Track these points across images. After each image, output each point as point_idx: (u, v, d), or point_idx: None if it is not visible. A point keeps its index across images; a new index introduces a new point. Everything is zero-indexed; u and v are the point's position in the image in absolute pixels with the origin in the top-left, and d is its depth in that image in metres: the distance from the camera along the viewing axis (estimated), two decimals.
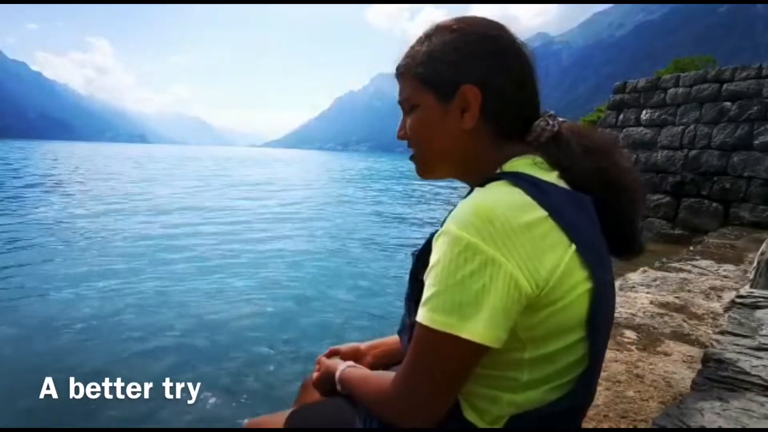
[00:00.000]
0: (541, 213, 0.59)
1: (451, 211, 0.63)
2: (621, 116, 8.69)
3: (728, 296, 2.86)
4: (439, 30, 0.73)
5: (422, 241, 0.71)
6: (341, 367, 0.84)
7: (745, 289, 1.93)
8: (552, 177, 0.66)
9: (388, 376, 0.70)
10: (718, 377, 1.10)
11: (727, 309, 1.83)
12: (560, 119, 0.73)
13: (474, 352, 0.58)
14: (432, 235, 0.67)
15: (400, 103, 0.76)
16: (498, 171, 0.67)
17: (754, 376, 1.08)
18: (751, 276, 2.96)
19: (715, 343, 1.25)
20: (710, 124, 7.16)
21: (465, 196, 0.66)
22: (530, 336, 0.61)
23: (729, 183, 6.83)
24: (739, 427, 0.89)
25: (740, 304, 1.58)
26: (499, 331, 0.57)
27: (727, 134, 6.91)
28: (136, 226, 8.78)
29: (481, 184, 0.65)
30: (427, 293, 0.59)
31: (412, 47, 0.75)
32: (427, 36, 0.74)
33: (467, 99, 0.68)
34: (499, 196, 0.61)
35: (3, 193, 12.25)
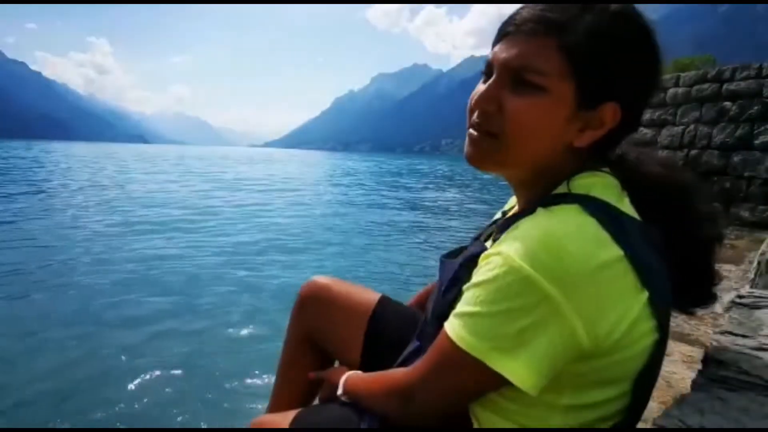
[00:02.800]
0: (617, 252, 0.51)
1: (503, 218, 0.59)
2: None
3: (728, 296, 2.86)
4: (612, 11, 0.55)
5: (451, 246, 0.66)
6: (346, 374, 0.82)
7: (746, 289, 1.93)
8: (625, 204, 0.58)
9: (395, 372, 0.68)
10: (718, 377, 1.09)
11: (727, 309, 1.83)
12: None
13: (498, 383, 0.53)
14: (471, 252, 0.64)
15: (505, 66, 0.56)
16: (566, 185, 0.58)
17: (755, 376, 1.08)
18: (751, 276, 2.95)
19: (715, 343, 1.25)
20: (710, 124, 7.16)
21: (522, 210, 0.59)
22: (575, 382, 0.55)
23: (729, 183, 6.83)
24: (739, 427, 0.89)
25: (740, 304, 1.58)
26: (540, 378, 0.51)
27: (728, 134, 6.91)
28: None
29: (546, 202, 0.56)
30: (464, 307, 0.55)
31: (560, 6, 0.54)
32: (590, 6, 0.54)
33: (603, 119, 0.57)
34: (571, 226, 0.52)
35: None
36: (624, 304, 0.51)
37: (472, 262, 0.60)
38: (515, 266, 0.50)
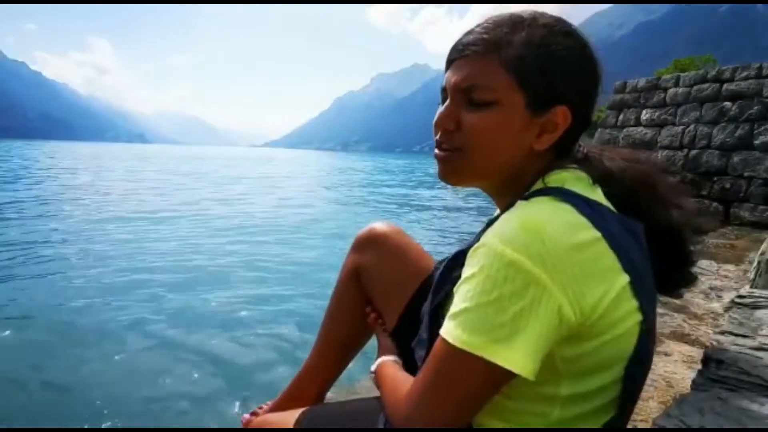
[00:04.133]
0: (595, 234, 0.53)
1: (488, 225, 0.59)
2: (621, 116, 8.68)
3: (728, 296, 2.86)
4: (542, 23, 0.61)
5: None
6: (380, 359, 0.81)
7: (746, 289, 1.93)
8: (598, 195, 0.61)
9: (404, 388, 0.65)
10: (718, 377, 1.09)
11: (727, 309, 1.83)
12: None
13: (502, 378, 0.52)
14: (461, 249, 0.65)
15: (458, 87, 0.61)
16: (541, 181, 0.61)
17: (755, 376, 1.08)
18: (751, 276, 2.95)
19: (715, 343, 1.25)
20: (710, 124, 7.16)
21: (504, 210, 0.61)
22: (571, 370, 0.56)
23: (729, 183, 6.83)
24: (739, 427, 0.89)
25: (740, 304, 1.58)
26: (536, 362, 0.52)
27: (728, 134, 6.91)
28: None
29: (525, 197, 0.59)
30: (455, 308, 0.54)
31: (495, 26, 0.61)
32: (521, 22, 0.61)
33: (556, 122, 0.60)
34: (550, 212, 0.55)
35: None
36: (606, 282, 0.53)
37: (454, 262, 0.62)
38: (499, 252, 0.52)
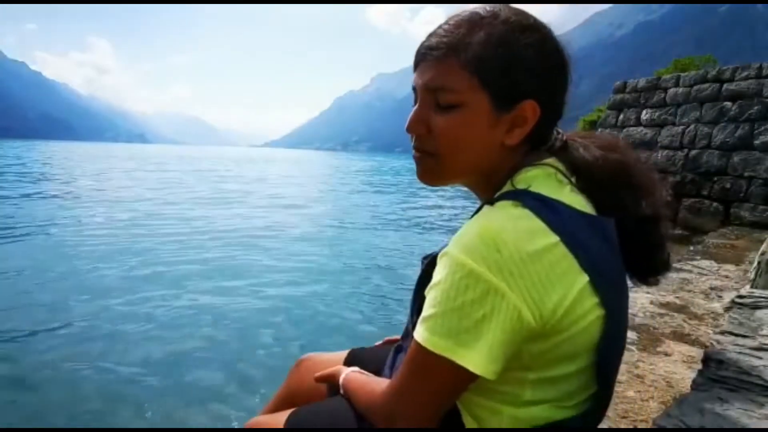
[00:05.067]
0: (552, 239, 0.55)
1: (457, 231, 0.60)
2: (621, 116, 8.68)
3: (728, 296, 2.86)
4: (501, 20, 0.61)
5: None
6: (345, 371, 0.84)
7: (746, 289, 1.93)
8: (566, 192, 0.61)
9: (379, 386, 0.70)
10: (718, 377, 1.09)
11: (727, 309, 1.83)
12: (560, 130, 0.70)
13: (467, 378, 0.56)
14: (434, 253, 0.66)
15: (425, 90, 0.63)
16: (510, 183, 0.63)
17: (755, 376, 1.08)
18: (751, 276, 2.95)
19: (715, 343, 1.25)
20: (710, 124, 7.16)
21: (473, 215, 0.63)
22: (536, 361, 0.59)
23: (729, 183, 6.83)
24: (739, 427, 0.89)
25: (740, 304, 1.58)
26: (497, 364, 0.55)
27: (728, 134, 6.91)
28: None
29: (491, 201, 0.61)
30: (426, 312, 0.58)
31: (454, 28, 0.61)
32: (479, 21, 0.61)
33: (525, 116, 0.61)
34: (507, 219, 0.56)
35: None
36: (564, 285, 0.55)
37: (432, 266, 0.63)
38: (460, 262, 0.55)
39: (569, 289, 0.55)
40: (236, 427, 2.68)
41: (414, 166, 0.68)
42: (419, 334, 0.58)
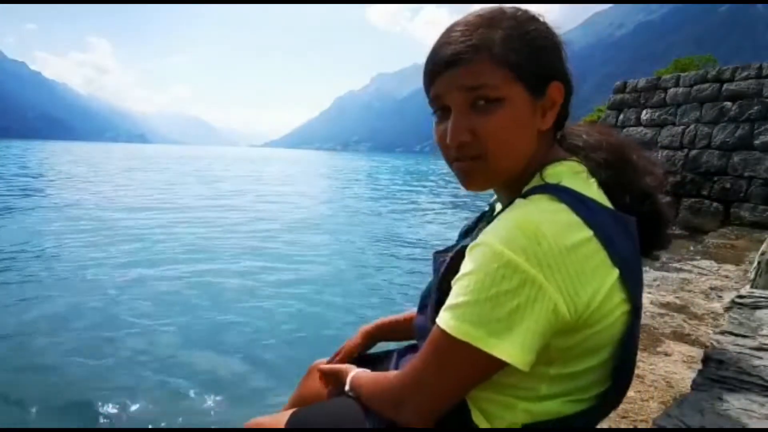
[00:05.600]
0: (587, 233, 0.56)
1: (488, 222, 0.61)
2: (621, 116, 8.68)
3: (728, 296, 2.86)
4: (509, 16, 0.64)
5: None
6: (353, 372, 0.83)
7: (746, 289, 1.93)
8: (593, 190, 0.63)
9: (389, 376, 0.71)
10: (718, 377, 1.09)
11: (727, 309, 1.83)
12: None
13: (495, 367, 0.56)
14: (462, 244, 0.66)
15: (461, 93, 0.62)
16: (539, 178, 0.63)
17: (755, 376, 1.08)
18: (751, 276, 2.95)
19: (715, 343, 1.25)
20: (710, 124, 7.16)
21: (502, 209, 0.64)
22: (560, 356, 0.60)
23: (729, 183, 6.83)
24: (739, 427, 0.89)
25: (740, 304, 1.58)
26: (531, 355, 0.55)
27: (728, 134, 6.91)
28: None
29: (523, 195, 0.62)
30: (453, 300, 0.57)
31: (471, 31, 0.62)
32: (493, 20, 0.63)
33: (554, 98, 0.64)
34: (546, 213, 0.57)
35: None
36: (597, 280, 0.56)
37: (455, 261, 0.63)
38: (497, 252, 0.55)
39: (602, 283, 0.56)
40: (236, 427, 2.69)
41: (455, 177, 0.67)
42: (444, 321, 0.57)
